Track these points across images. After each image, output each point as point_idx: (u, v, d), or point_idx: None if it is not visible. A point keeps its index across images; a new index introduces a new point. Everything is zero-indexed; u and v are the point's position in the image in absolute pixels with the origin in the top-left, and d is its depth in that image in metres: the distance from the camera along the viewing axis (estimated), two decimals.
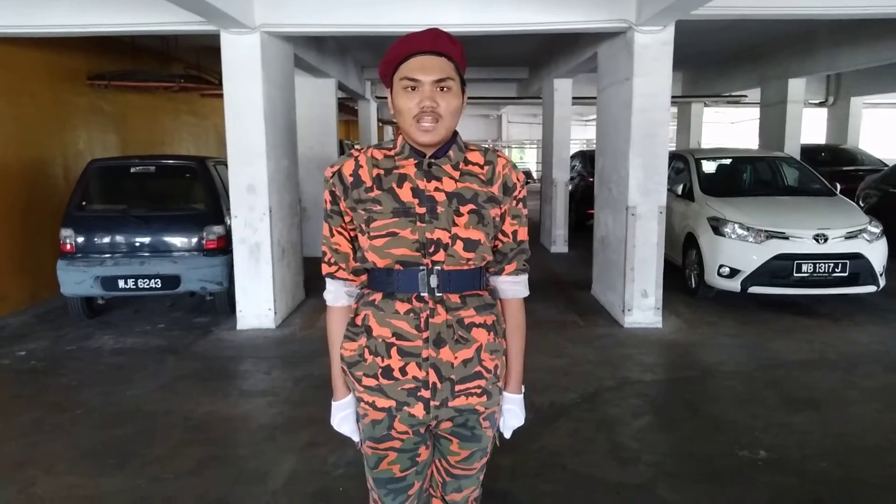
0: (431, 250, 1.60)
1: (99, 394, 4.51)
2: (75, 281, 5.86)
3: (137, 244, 5.99)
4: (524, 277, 1.80)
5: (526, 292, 1.82)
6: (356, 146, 1.81)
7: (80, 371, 5.00)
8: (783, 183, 7.85)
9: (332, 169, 1.69)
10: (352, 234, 1.70)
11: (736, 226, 6.32)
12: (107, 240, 5.97)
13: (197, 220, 6.12)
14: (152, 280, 5.90)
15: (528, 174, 30.85)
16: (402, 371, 1.64)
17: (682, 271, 7.14)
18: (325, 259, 1.75)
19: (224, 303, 6.29)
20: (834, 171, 10.53)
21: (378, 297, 1.67)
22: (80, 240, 5.93)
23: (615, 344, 5.49)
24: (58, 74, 7.47)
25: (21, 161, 6.83)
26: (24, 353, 5.39)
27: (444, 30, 1.62)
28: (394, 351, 1.64)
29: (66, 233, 5.93)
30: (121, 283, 5.88)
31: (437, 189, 1.62)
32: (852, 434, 3.79)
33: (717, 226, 6.46)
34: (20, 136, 6.82)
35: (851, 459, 3.48)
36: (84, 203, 6.14)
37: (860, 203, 9.28)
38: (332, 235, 1.72)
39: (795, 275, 6.05)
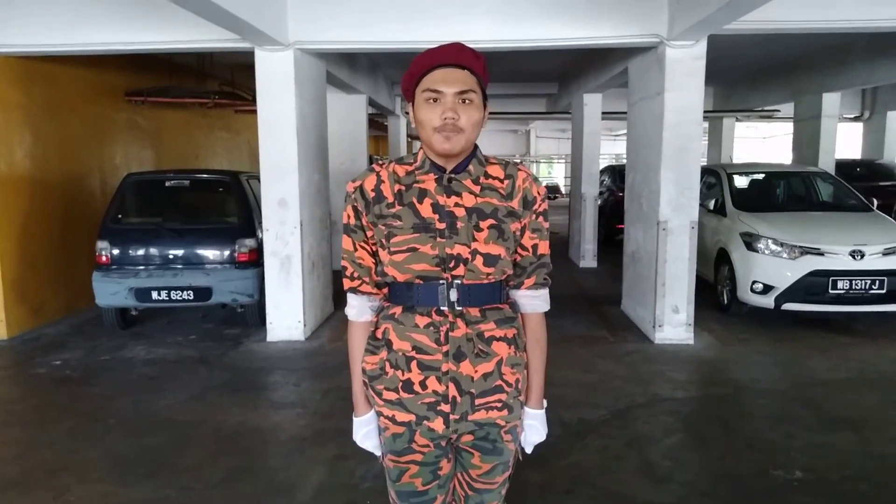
0: (451, 265, 1.60)
1: (131, 403, 4.58)
2: (110, 292, 5.98)
3: (171, 256, 6.09)
4: (544, 292, 1.78)
5: (546, 307, 1.79)
6: (379, 160, 1.81)
7: (114, 381, 5.09)
8: (818, 198, 7.71)
9: (354, 184, 1.69)
10: (373, 248, 1.70)
11: (769, 241, 6.21)
12: (141, 252, 6.09)
13: (229, 233, 6.20)
14: (185, 292, 5.98)
15: (556, 189, 30.83)
16: (423, 385, 1.64)
17: (714, 287, 7.04)
18: (347, 273, 1.74)
19: (255, 315, 6.36)
20: (870, 186, 10.30)
21: (398, 310, 1.67)
22: (116, 252, 6.04)
23: (645, 360, 5.42)
24: (97, 91, 7.67)
25: (60, 174, 7.01)
26: (59, 363, 5.50)
27: (474, 46, 1.63)
28: (414, 364, 1.64)
29: (101, 245, 6.05)
30: (154, 295, 5.98)
31: (456, 204, 1.62)
32: (893, 455, 3.68)
33: (750, 241, 6.37)
34: (60, 150, 7.01)
35: (893, 482, 3.38)
36: (120, 216, 6.27)
37: None
38: (356, 250, 1.71)
39: (831, 291, 5.92)
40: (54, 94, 6.90)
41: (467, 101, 1.57)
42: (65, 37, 5.71)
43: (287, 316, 6.02)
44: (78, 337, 6.27)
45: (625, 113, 7.02)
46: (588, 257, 10.05)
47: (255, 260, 6.15)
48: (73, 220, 7.11)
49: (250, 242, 6.16)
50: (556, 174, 37.03)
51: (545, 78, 12.15)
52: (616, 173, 12.13)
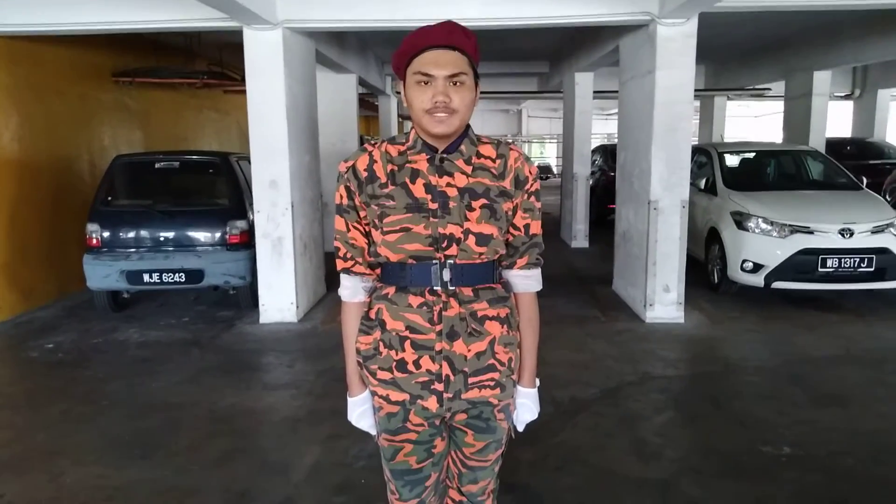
0: (444, 245, 1.61)
1: (125, 386, 4.59)
2: (101, 275, 5.96)
3: (162, 239, 6.07)
4: (536, 272, 1.78)
5: (538, 286, 1.80)
6: (371, 140, 1.80)
7: (107, 364, 5.09)
8: (808, 177, 7.74)
9: (347, 164, 1.69)
10: (366, 228, 1.71)
11: (759, 220, 6.24)
12: (132, 234, 6.06)
13: (220, 215, 6.18)
14: (176, 274, 5.97)
15: (547, 169, 30.79)
16: (416, 364, 1.65)
17: (705, 266, 7.08)
18: (340, 254, 1.74)
19: (247, 297, 6.35)
20: (860, 164, 10.35)
21: (391, 290, 1.67)
22: (106, 234, 6.02)
23: (636, 339, 5.46)
24: (84, 72, 7.58)
25: (48, 157, 6.95)
26: (51, 346, 5.49)
27: (465, 24, 1.62)
28: (407, 344, 1.65)
29: (92, 227, 6.02)
30: (146, 277, 5.96)
31: (448, 184, 1.62)
32: (880, 431, 3.74)
33: (740, 220, 6.40)
34: (47, 132, 6.94)
35: (879, 457, 3.43)
36: (110, 198, 6.24)
37: (887, 197, 9.14)
38: (349, 230, 1.71)
39: (820, 270, 5.97)
40: (40, 75, 6.82)
41: (458, 84, 1.57)
42: (49, 16, 5.63)
43: (279, 298, 6.02)
44: (70, 320, 6.25)
45: (616, 92, 7.00)
46: (580, 237, 10.08)
47: (247, 242, 6.13)
48: (62, 203, 7.06)
49: (241, 224, 6.15)
50: (549, 154, 36.99)
51: (536, 57, 12.09)
52: (608, 153, 12.12)
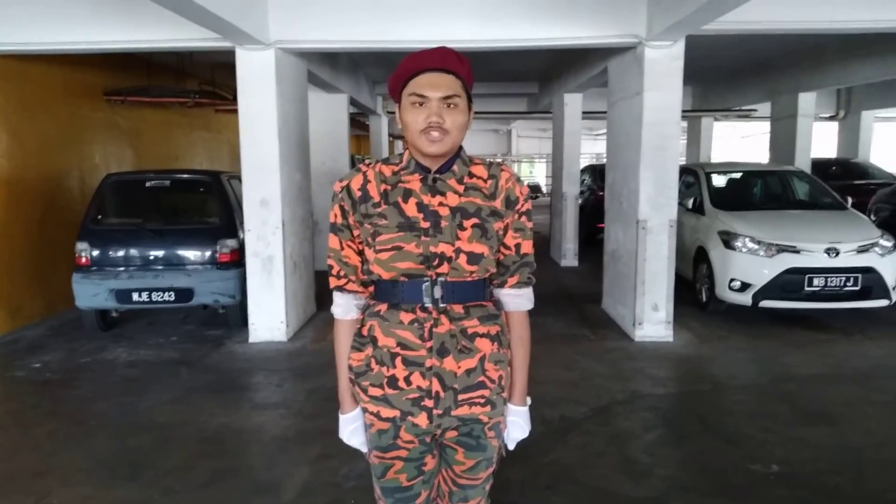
0: (435, 263, 1.63)
1: (113, 406, 4.55)
2: (90, 294, 5.92)
3: (151, 257, 6.05)
4: (528, 290, 1.81)
5: (529, 305, 1.82)
6: (366, 160, 1.83)
7: (95, 383, 5.05)
8: (794, 197, 7.83)
9: (341, 184, 1.72)
10: (360, 247, 1.73)
11: (747, 239, 6.31)
12: (121, 253, 6.04)
13: (210, 233, 6.17)
14: (166, 293, 5.95)
15: (537, 188, 30.93)
16: (407, 380, 1.67)
17: (693, 285, 7.13)
18: (334, 272, 1.76)
19: (237, 316, 6.33)
20: (845, 184, 10.46)
21: (383, 307, 1.70)
22: (96, 253, 5.99)
23: (626, 357, 5.48)
24: (75, 90, 7.59)
25: (38, 175, 6.93)
26: (38, 366, 5.45)
27: (455, 45, 1.67)
28: (398, 360, 1.67)
29: (81, 246, 5.99)
30: (135, 296, 5.94)
31: (441, 204, 1.65)
32: (867, 448, 3.77)
33: (727, 239, 6.46)
34: (38, 150, 6.93)
35: (866, 474, 3.46)
36: (99, 217, 6.22)
37: (872, 217, 9.24)
38: (342, 248, 1.74)
39: (807, 289, 6.03)
40: (30, 94, 6.82)
41: (452, 106, 1.61)
42: (41, 35, 5.66)
43: (269, 317, 6.00)
44: (58, 339, 6.20)
45: (605, 112, 7.09)
46: (569, 256, 10.12)
47: (237, 260, 6.12)
48: (51, 222, 7.03)
49: (232, 243, 6.14)
50: (538, 174, 37.18)
51: (526, 78, 12.21)
52: (596, 172, 12.22)
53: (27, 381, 5.12)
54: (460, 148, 1.70)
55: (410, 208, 1.65)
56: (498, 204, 1.70)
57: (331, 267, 1.77)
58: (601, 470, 3.54)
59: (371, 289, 1.75)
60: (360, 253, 1.74)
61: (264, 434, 4.09)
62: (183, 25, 5.09)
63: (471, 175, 1.71)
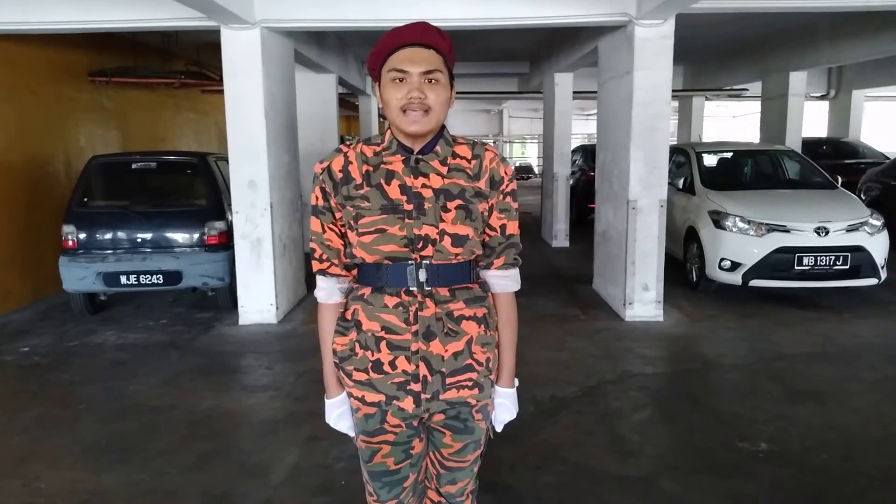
0: (419, 246, 1.61)
1: (102, 389, 4.53)
2: (77, 277, 5.88)
3: (139, 240, 6.00)
4: (514, 272, 1.79)
5: (516, 286, 1.80)
6: (349, 141, 1.80)
7: (83, 367, 5.02)
8: (784, 176, 7.83)
9: (322, 165, 1.69)
10: (342, 229, 1.70)
11: (737, 219, 6.31)
12: (109, 236, 5.98)
13: (198, 216, 6.12)
14: (154, 276, 5.91)
15: (529, 169, 30.89)
16: (392, 365, 1.65)
17: (683, 265, 7.14)
18: (316, 256, 1.74)
19: (226, 298, 6.30)
20: (835, 164, 10.50)
21: (367, 291, 1.67)
22: (82, 236, 5.94)
23: (616, 337, 5.50)
24: (59, 71, 7.47)
25: (23, 158, 6.84)
26: (27, 350, 5.41)
27: (444, 25, 1.63)
28: (383, 345, 1.65)
29: (67, 229, 5.93)
30: (123, 279, 5.89)
31: (424, 185, 1.62)
32: (854, 426, 3.80)
33: (718, 219, 6.46)
34: (22, 132, 6.83)
35: (853, 451, 3.49)
36: (86, 199, 6.16)
37: (861, 196, 9.26)
38: (324, 231, 1.71)
39: (797, 268, 6.05)
40: (13, 75, 6.71)
41: (433, 81, 1.57)
42: (21, 15, 5.54)
43: (259, 299, 5.98)
44: (46, 323, 6.16)
45: (595, 92, 7.05)
46: (560, 237, 10.12)
47: (226, 243, 6.08)
48: (37, 205, 6.95)
49: (220, 225, 6.09)
50: (530, 154, 37.11)
51: (516, 57, 12.12)
52: (588, 153, 12.18)
53: (15, 366, 5.09)
54: (443, 127, 1.66)
55: (393, 190, 1.61)
56: (482, 184, 1.67)
57: (313, 250, 1.74)
58: (591, 449, 3.55)
59: (354, 272, 1.72)
60: (343, 236, 1.70)
61: (254, 416, 4.08)
62: (166, 4, 5.02)
63: (454, 155, 1.67)
